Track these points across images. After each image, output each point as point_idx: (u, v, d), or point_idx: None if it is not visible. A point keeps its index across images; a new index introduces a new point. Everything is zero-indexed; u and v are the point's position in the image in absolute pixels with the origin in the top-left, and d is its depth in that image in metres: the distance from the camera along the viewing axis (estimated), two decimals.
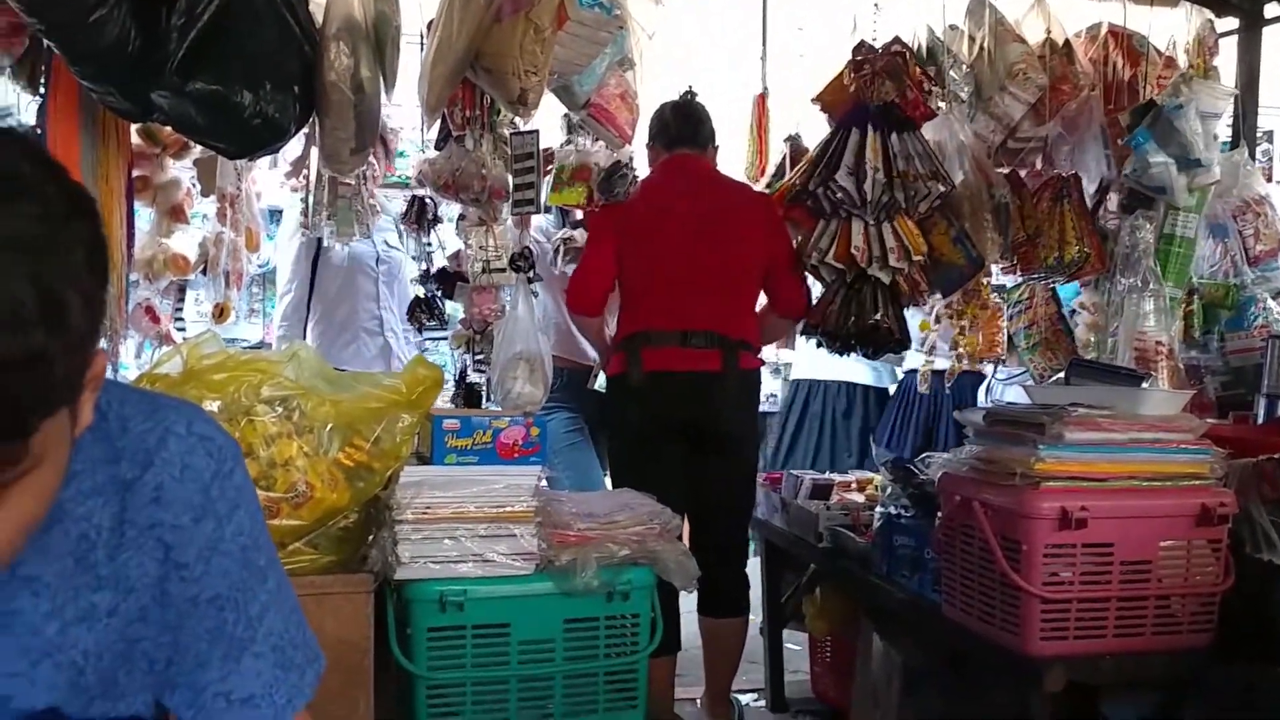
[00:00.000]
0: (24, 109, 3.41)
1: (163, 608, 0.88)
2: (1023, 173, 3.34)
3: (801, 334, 3.17)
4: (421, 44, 2.52)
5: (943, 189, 2.79)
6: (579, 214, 3.51)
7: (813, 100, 3.16)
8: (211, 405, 1.84)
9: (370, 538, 1.97)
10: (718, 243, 2.78)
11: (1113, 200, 3.24)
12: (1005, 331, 3.44)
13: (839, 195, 2.77)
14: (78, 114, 2.69)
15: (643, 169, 3.19)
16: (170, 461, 0.86)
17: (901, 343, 3.08)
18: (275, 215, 5.30)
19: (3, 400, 0.58)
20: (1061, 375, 3.05)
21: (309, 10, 2.30)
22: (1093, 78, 3.22)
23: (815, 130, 3.30)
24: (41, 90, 2.97)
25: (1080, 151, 3.21)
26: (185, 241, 3.79)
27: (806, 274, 3.02)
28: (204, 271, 3.74)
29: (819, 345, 3.15)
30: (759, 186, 3.53)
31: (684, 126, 2.88)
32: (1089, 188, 3.23)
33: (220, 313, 3.81)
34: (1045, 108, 3.17)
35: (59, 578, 0.82)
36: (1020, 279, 3.45)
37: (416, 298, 3.83)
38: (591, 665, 1.98)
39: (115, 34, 2.06)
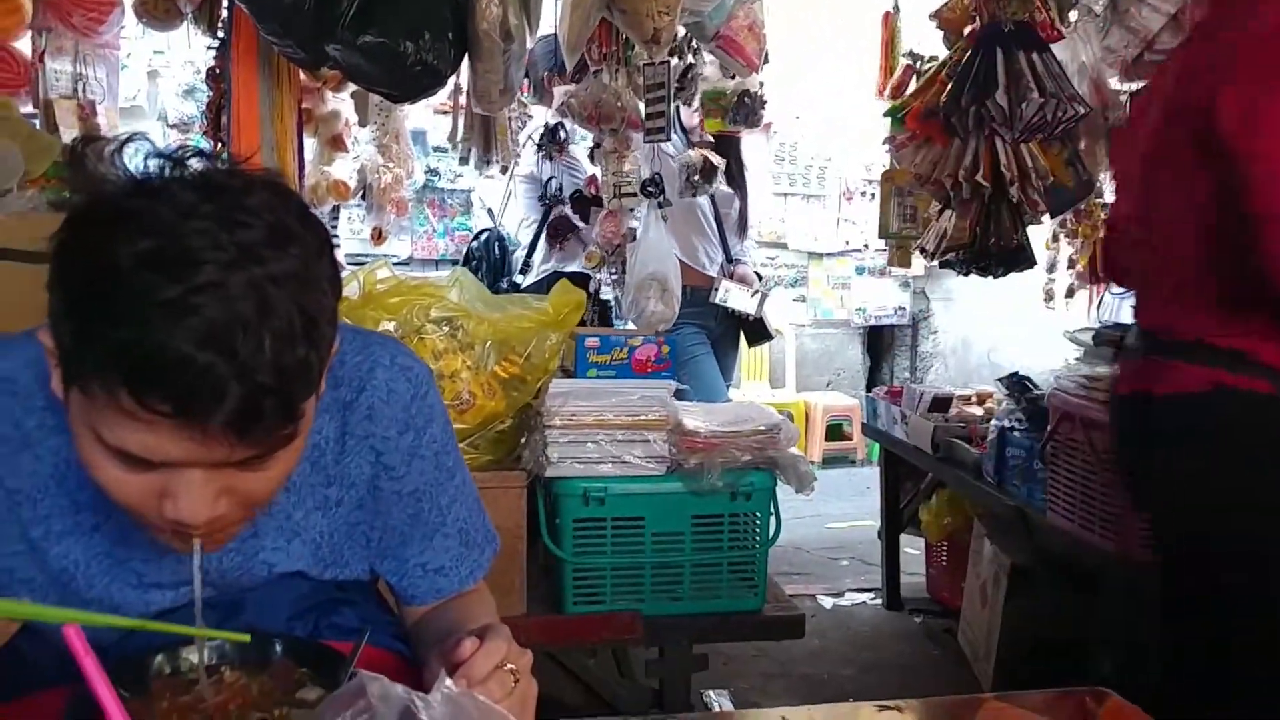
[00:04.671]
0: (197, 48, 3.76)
1: (375, 499, 1.11)
2: None
3: (929, 258, 3.23)
4: None
5: (1082, 110, 2.80)
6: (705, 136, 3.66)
7: (930, 17, 3.18)
8: (387, 325, 2.11)
9: (523, 440, 2.23)
10: None
11: None
12: None
13: (991, 113, 2.79)
14: (256, 59, 2.97)
15: (773, 94, 3.28)
16: (378, 387, 1.08)
17: (1033, 261, 3.12)
18: (418, 136, 5.62)
19: (281, 395, 0.77)
20: None
21: None
22: None
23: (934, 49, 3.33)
24: (220, 34, 3.28)
25: None
26: (344, 168, 4.11)
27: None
28: (363, 196, 4.06)
29: (942, 266, 3.21)
30: (883, 104, 3.59)
31: None
32: None
33: (378, 235, 4.13)
34: (1186, 17, 3.10)
35: (300, 477, 1.05)
36: None
37: (555, 218, 4.06)
38: (716, 556, 2.20)
39: None
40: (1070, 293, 3.63)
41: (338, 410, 1.07)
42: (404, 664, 1.16)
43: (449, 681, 0.71)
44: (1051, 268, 3.68)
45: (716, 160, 3.53)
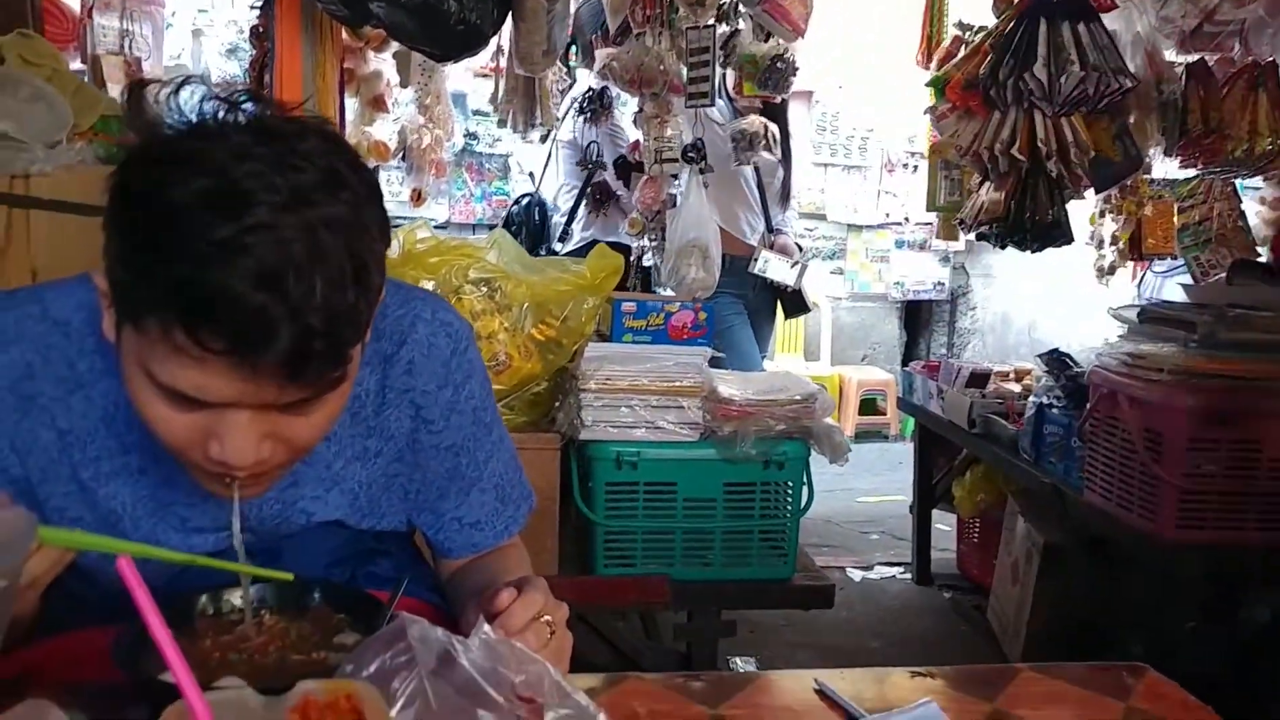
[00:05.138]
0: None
1: (414, 452, 1.12)
2: (1213, 60, 3.21)
3: (966, 230, 3.19)
4: None
5: (1128, 84, 2.73)
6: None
7: None
8: (426, 284, 2.12)
9: (557, 403, 2.24)
10: None
11: None
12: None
13: (1030, 86, 2.73)
14: (299, 18, 2.97)
15: (805, 61, 3.21)
16: (419, 341, 1.09)
17: (1070, 238, 3.07)
18: (458, 100, 5.60)
19: (330, 338, 0.78)
20: (1222, 274, 3.01)
21: None
22: None
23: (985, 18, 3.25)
24: None
25: None
26: (384, 130, 4.11)
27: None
28: (403, 157, 4.05)
29: (979, 239, 3.16)
30: (926, 73, 3.52)
31: None
32: None
33: (417, 197, 4.13)
34: None
35: (341, 427, 1.06)
36: (1200, 172, 3.35)
37: (595, 184, 4.03)
38: (747, 524, 2.21)
39: None
40: (1111, 269, 3.55)
41: (378, 363, 1.08)
42: (439, 615, 1.17)
43: (487, 627, 0.72)
44: (1101, 244, 3.60)
45: (774, 129, 3.50)
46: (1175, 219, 3.33)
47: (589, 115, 3.99)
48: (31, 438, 0.96)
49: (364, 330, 0.84)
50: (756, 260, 3.59)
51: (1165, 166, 3.27)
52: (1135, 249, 3.52)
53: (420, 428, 1.11)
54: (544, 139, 4.21)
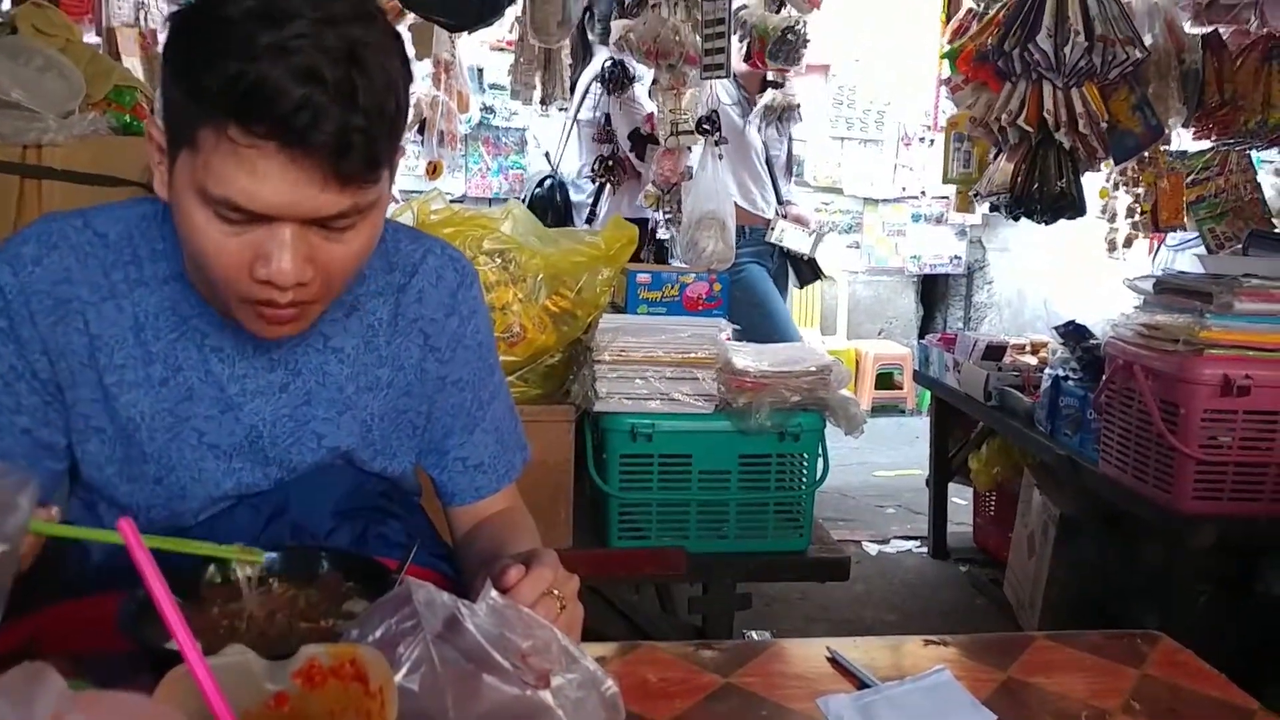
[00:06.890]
0: None
1: (422, 383, 1.17)
2: (1227, 32, 3.17)
3: (975, 196, 3.17)
4: None
5: (1138, 55, 2.71)
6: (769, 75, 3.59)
7: None
8: None
9: (572, 375, 2.23)
10: None
11: None
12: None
13: (1035, 57, 2.71)
14: None
15: (816, 33, 3.20)
16: (429, 272, 1.16)
17: (1079, 210, 3.05)
18: (474, 73, 5.56)
19: (369, 135, 0.85)
20: (1239, 246, 2.98)
21: None
22: None
23: None
24: None
25: None
26: None
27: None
28: (420, 130, 4.04)
29: (992, 210, 3.14)
30: (944, 45, 3.49)
31: None
32: None
33: (433, 170, 4.12)
34: None
35: (355, 352, 1.11)
36: (1213, 144, 3.32)
37: (603, 157, 4.00)
38: (763, 496, 2.20)
39: None
40: (1128, 242, 3.52)
41: (391, 293, 1.14)
42: (447, 583, 1.18)
43: (494, 593, 0.72)
44: (1114, 218, 3.58)
45: (796, 101, 3.51)
46: (1186, 192, 3.30)
47: (608, 87, 3.95)
48: (64, 341, 1.02)
49: (395, 147, 0.92)
50: (773, 230, 3.60)
51: (1180, 138, 3.23)
52: (1155, 221, 3.49)
53: (428, 356, 1.17)
54: (562, 110, 4.17)
